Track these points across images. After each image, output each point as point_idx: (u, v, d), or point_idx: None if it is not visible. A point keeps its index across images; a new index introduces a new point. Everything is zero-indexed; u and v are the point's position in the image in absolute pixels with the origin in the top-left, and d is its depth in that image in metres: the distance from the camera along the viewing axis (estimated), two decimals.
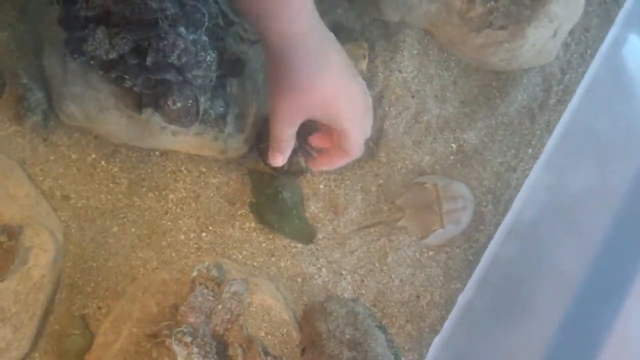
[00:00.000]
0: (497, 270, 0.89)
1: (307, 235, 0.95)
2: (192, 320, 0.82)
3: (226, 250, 0.94)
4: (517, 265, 0.92)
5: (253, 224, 0.96)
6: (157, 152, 0.96)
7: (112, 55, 0.88)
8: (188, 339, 0.79)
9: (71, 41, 0.90)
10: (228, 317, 0.85)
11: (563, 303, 0.87)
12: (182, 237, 0.94)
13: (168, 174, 0.96)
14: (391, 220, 0.97)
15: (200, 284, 0.85)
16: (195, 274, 0.86)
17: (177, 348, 0.78)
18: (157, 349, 0.80)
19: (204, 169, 0.97)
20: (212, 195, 0.96)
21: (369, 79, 1.02)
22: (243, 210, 0.97)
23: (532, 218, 0.93)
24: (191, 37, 0.87)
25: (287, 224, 0.94)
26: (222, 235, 0.95)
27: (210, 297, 0.84)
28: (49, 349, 0.87)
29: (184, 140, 0.95)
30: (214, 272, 0.86)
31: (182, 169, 0.97)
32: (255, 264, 0.94)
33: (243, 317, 0.86)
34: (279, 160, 0.87)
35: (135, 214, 0.94)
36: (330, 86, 0.83)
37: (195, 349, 0.79)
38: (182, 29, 0.86)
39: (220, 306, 0.85)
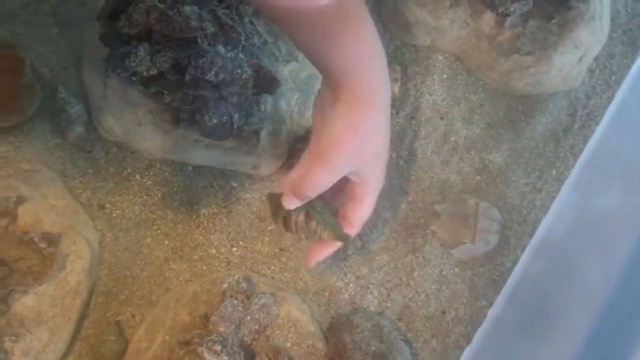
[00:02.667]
0: (525, 286, 0.91)
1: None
2: (222, 329, 0.84)
3: (255, 264, 0.97)
4: (546, 282, 0.93)
5: (282, 241, 0.98)
6: (190, 167, 0.99)
7: (153, 72, 0.91)
8: (218, 348, 0.81)
9: (113, 57, 0.93)
10: (256, 327, 0.87)
11: (590, 319, 0.89)
12: (214, 251, 0.96)
13: (200, 189, 0.99)
14: (426, 223, 0.99)
15: (231, 296, 0.87)
16: (226, 286, 0.88)
17: (208, 356, 0.80)
18: (189, 356, 0.82)
19: (235, 184, 1.00)
20: (243, 210, 0.99)
21: (401, 101, 1.04)
22: (273, 227, 0.98)
23: (560, 236, 0.94)
24: (228, 55, 0.90)
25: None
26: (252, 251, 0.97)
27: (240, 309, 0.86)
28: (84, 352, 0.90)
29: (217, 154, 0.99)
30: (244, 285, 0.88)
31: (214, 184, 0.99)
32: (283, 278, 0.96)
33: (270, 328, 0.88)
34: (294, 204, 0.79)
35: (169, 226, 0.96)
36: (384, 142, 0.79)
37: (225, 357, 0.81)
38: (220, 47, 0.90)
39: (249, 317, 0.87)
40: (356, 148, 0.74)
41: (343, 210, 0.82)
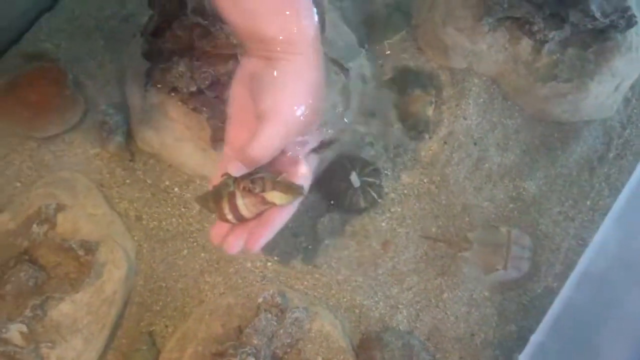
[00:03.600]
0: (568, 315, 0.90)
1: None
2: (255, 342, 0.84)
3: (289, 279, 0.97)
4: (589, 312, 0.92)
5: (315, 257, 0.99)
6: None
7: (193, 88, 0.93)
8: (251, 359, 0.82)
9: (154, 72, 0.95)
10: (288, 341, 0.88)
11: (631, 351, 0.88)
12: (249, 265, 0.97)
13: None
14: (457, 246, 0.99)
15: (265, 309, 0.88)
16: (261, 300, 0.89)
17: None
18: None
19: None
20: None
21: (434, 125, 1.05)
22: (306, 244, 0.99)
23: (603, 268, 0.94)
24: None
25: None
26: (286, 266, 0.98)
27: (273, 322, 0.87)
28: None
29: None
30: (279, 300, 0.89)
31: None
32: (315, 294, 0.97)
33: (303, 342, 0.89)
34: (241, 171, 0.72)
35: (205, 239, 0.97)
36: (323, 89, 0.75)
37: None
38: None
39: (282, 331, 0.87)
40: (306, 101, 0.71)
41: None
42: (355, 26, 1.08)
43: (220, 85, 0.93)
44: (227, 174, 0.72)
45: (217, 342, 0.87)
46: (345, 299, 0.98)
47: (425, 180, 1.03)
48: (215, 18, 0.91)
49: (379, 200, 1.01)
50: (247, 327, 0.87)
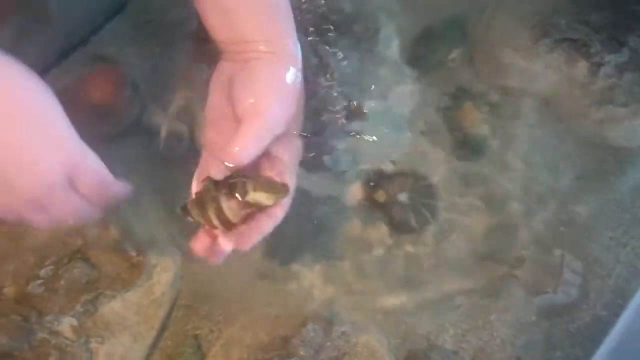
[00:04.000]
0: (628, 345, 0.89)
1: None
2: (302, 353, 0.84)
3: (336, 292, 0.97)
4: None
5: (364, 270, 0.99)
6: None
7: None
8: None
9: None
10: (335, 354, 0.87)
11: None
12: (298, 269, 0.98)
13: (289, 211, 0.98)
14: (508, 265, 0.99)
15: (313, 321, 0.88)
16: (312, 306, 0.89)
17: None
18: None
19: (321, 213, 1.01)
20: (329, 238, 1.00)
21: (486, 143, 1.05)
22: (354, 258, 0.99)
23: None
24: (327, 89, 0.93)
25: None
26: (336, 276, 0.98)
27: (320, 334, 0.87)
28: None
29: (310, 182, 1.00)
30: (326, 312, 0.89)
31: (305, 208, 0.99)
32: (363, 309, 0.96)
33: (348, 357, 0.88)
34: (221, 171, 0.72)
35: (255, 246, 0.96)
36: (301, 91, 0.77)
37: None
38: (321, 79, 0.92)
39: (329, 343, 0.87)
40: (286, 100, 0.71)
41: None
42: (410, 40, 1.07)
43: None
44: (208, 178, 0.72)
45: (262, 351, 0.87)
46: (391, 315, 0.97)
47: (475, 199, 1.03)
48: None
49: (427, 218, 1.00)
50: (294, 337, 0.86)
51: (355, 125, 1.00)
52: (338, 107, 0.93)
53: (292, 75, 0.71)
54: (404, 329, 0.96)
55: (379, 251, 1.00)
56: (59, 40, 1.02)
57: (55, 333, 0.84)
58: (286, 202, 0.74)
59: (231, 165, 0.69)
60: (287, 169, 0.75)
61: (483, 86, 1.08)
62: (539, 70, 1.04)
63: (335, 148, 0.97)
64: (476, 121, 1.04)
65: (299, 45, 0.73)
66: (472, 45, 1.10)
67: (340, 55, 0.98)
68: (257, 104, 0.69)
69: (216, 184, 0.71)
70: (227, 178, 0.71)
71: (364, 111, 0.98)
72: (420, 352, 0.93)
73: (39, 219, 0.65)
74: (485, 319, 0.98)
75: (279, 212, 0.74)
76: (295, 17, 0.95)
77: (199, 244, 0.75)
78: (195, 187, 0.74)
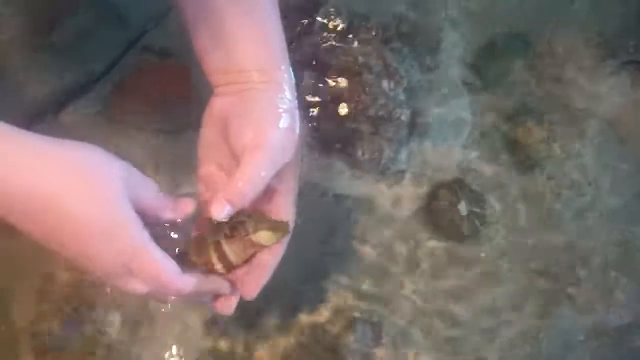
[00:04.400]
0: None
1: None
2: (349, 358, 0.85)
3: (385, 301, 0.97)
4: None
5: (412, 282, 0.99)
6: (331, 194, 1.01)
7: (315, 100, 0.94)
8: None
9: None
10: None
11: None
12: (345, 277, 0.98)
13: (337, 217, 1.00)
14: (561, 283, 0.99)
15: (361, 328, 0.88)
16: (358, 315, 0.89)
17: None
18: None
19: (371, 221, 1.01)
20: (376, 247, 1.00)
21: (545, 160, 1.04)
22: (404, 267, 0.99)
23: None
24: (391, 94, 0.93)
25: None
26: (384, 284, 0.98)
27: (368, 343, 0.88)
28: None
29: (359, 187, 1.00)
30: (375, 317, 0.90)
31: (352, 215, 1.00)
32: (411, 319, 0.97)
33: None
34: (225, 212, 0.64)
35: (305, 248, 0.97)
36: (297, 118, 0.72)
37: None
38: (384, 85, 0.92)
39: (376, 351, 0.88)
40: (285, 129, 0.67)
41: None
42: (473, 52, 1.07)
43: (340, 101, 0.95)
44: (207, 219, 0.66)
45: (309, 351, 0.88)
46: (439, 327, 0.97)
47: (531, 215, 1.02)
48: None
49: (482, 230, 1.00)
50: (342, 343, 0.87)
51: (415, 132, 1.00)
52: (399, 113, 0.93)
53: (289, 103, 0.68)
54: (452, 341, 0.96)
55: (428, 259, 1.00)
56: (126, 35, 1.03)
57: (103, 328, 0.86)
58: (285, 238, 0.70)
59: (234, 203, 0.64)
60: (286, 202, 0.71)
61: (544, 102, 1.08)
62: (603, 91, 1.04)
63: (393, 151, 0.97)
64: (536, 137, 1.04)
65: (291, 71, 0.70)
66: (535, 60, 1.10)
67: (404, 62, 0.98)
68: (257, 137, 0.65)
69: (216, 224, 0.66)
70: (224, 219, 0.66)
71: (427, 119, 0.98)
72: None
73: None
74: (534, 336, 0.97)
75: (279, 249, 0.70)
76: (360, 23, 0.96)
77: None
78: (193, 228, 0.70)
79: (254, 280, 0.69)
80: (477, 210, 0.98)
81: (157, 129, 1.01)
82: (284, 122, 0.66)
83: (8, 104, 0.92)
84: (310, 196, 1.00)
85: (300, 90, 0.94)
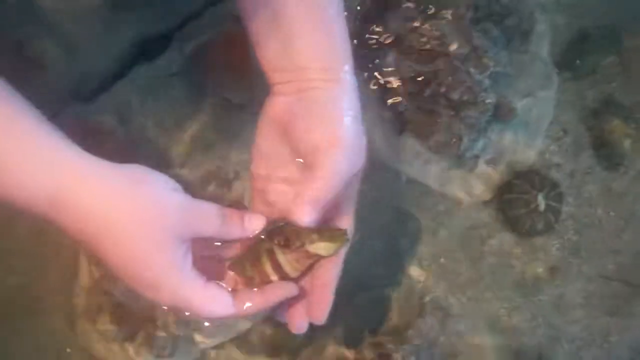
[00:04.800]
0: None
1: None
2: (417, 342, 0.84)
3: (452, 286, 0.96)
4: None
5: (479, 271, 0.97)
6: (404, 177, 0.99)
7: (396, 80, 0.92)
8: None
9: (360, 57, 0.95)
10: (448, 351, 0.86)
11: None
12: (415, 262, 0.96)
13: (410, 200, 0.99)
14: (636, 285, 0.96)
15: (430, 313, 0.87)
16: (428, 299, 0.88)
17: None
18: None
19: (442, 207, 0.99)
20: (446, 233, 0.99)
21: (629, 159, 1.01)
22: (471, 256, 0.98)
23: None
24: (476, 78, 0.90)
25: None
26: (452, 272, 0.97)
27: (436, 327, 0.86)
28: None
29: (433, 172, 0.98)
30: (443, 304, 0.88)
31: (424, 200, 0.99)
32: (476, 308, 0.95)
33: (462, 356, 0.87)
34: (311, 217, 0.61)
35: (375, 229, 0.97)
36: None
37: None
38: (471, 68, 0.89)
39: (442, 338, 0.86)
40: (355, 130, 0.63)
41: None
42: (562, 42, 1.04)
43: (422, 82, 0.92)
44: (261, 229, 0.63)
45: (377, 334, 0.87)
46: (504, 318, 0.96)
47: (610, 214, 0.99)
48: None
49: (556, 226, 0.97)
50: (410, 325, 0.86)
51: (496, 119, 0.97)
52: (484, 98, 0.90)
53: (355, 107, 0.64)
54: (517, 334, 0.94)
55: (496, 249, 0.98)
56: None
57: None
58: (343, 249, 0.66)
59: (317, 206, 0.60)
60: (346, 211, 0.67)
61: (633, 100, 1.03)
62: None
63: (471, 138, 0.94)
64: (621, 135, 1.00)
65: (353, 69, 0.66)
66: (626, 55, 1.05)
67: (492, 45, 0.95)
68: (330, 137, 0.61)
69: (267, 234, 0.63)
70: (275, 228, 0.64)
71: (509, 107, 0.95)
72: None
73: None
74: (604, 338, 0.95)
75: (339, 263, 0.65)
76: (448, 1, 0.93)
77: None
78: (242, 242, 0.66)
79: (321, 303, 0.65)
80: (554, 204, 0.95)
81: (226, 98, 0.99)
82: (353, 125, 0.62)
83: (86, 63, 0.92)
84: (382, 177, 0.99)
85: (382, 67, 0.93)
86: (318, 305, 0.65)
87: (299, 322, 0.66)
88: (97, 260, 0.59)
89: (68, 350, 0.89)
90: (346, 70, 0.64)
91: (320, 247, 0.62)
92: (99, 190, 0.54)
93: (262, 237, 0.63)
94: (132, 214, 0.55)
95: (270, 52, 0.64)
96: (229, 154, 0.96)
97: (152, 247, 0.56)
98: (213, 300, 0.60)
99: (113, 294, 0.85)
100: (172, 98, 0.97)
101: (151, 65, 0.97)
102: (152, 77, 0.96)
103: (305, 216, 0.60)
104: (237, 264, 0.65)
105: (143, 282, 0.57)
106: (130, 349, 0.86)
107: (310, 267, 0.65)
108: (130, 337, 0.87)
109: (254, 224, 0.63)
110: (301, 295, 0.65)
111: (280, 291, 0.63)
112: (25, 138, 0.53)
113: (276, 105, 0.65)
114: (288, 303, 0.66)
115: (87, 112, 0.93)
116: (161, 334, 0.85)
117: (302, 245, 0.61)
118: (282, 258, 0.62)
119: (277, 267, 0.63)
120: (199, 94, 0.97)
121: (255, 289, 0.63)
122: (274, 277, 0.63)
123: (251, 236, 0.63)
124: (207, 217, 0.60)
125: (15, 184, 0.53)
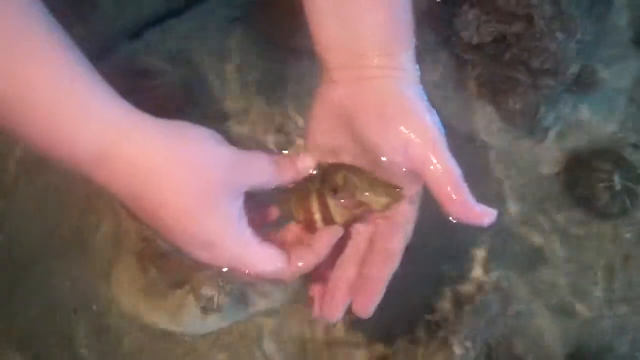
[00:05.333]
0: None
1: None
2: (474, 321, 0.80)
3: (514, 267, 0.90)
4: None
5: (544, 251, 0.92)
6: (478, 142, 0.94)
7: (475, 41, 0.86)
8: (469, 344, 0.77)
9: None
10: (505, 332, 0.83)
11: None
12: (476, 236, 0.91)
13: (476, 166, 0.92)
14: None
15: (490, 291, 0.83)
16: (486, 279, 0.83)
17: (457, 349, 0.77)
18: (438, 346, 0.78)
19: (512, 172, 0.94)
20: (511, 205, 0.93)
21: None
22: (538, 236, 0.92)
23: None
24: (562, 46, 0.83)
25: None
26: (514, 250, 0.91)
27: (495, 307, 0.82)
28: None
29: (501, 139, 0.93)
30: (504, 283, 0.83)
31: (492, 167, 0.93)
32: (538, 290, 0.90)
33: (517, 338, 0.83)
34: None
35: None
36: None
37: (472, 355, 0.77)
38: (558, 34, 0.83)
39: (501, 320, 0.82)
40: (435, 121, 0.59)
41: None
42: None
43: (502, 45, 0.86)
44: (315, 168, 0.61)
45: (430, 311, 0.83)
46: (568, 303, 0.90)
47: None
48: None
49: (630, 210, 0.91)
50: (468, 303, 0.82)
51: (574, 90, 0.90)
52: (567, 68, 0.84)
53: (424, 97, 0.59)
54: (581, 323, 0.89)
55: (564, 228, 0.93)
56: None
57: None
58: (409, 213, 0.61)
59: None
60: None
61: None
62: None
63: (548, 108, 0.89)
64: None
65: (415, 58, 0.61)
66: None
67: (578, 9, 0.88)
68: (422, 132, 0.57)
69: (320, 177, 0.61)
70: (330, 170, 0.61)
71: (589, 79, 0.89)
72: (592, 350, 0.87)
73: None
74: None
75: (396, 258, 0.61)
76: None
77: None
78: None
79: (368, 295, 0.60)
80: (632, 186, 0.89)
81: (291, 48, 0.92)
82: (432, 117, 0.58)
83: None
84: (455, 140, 0.93)
85: (461, 27, 0.87)
86: (366, 297, 0.60)
87: (334, 311, 0.62)
88: (142, 222, 0.55)
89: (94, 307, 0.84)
90: (410, 57, 0.59)
91: (373, 198, 0.59)
92: (145, 145, 0.52)
93: (315, 179, 0.61)
94: (181, 168, 0.52)
95: (330, 36, 0.59)
96: (289, 109, 0.91)
97: (205, 202, 0.53)
98: (270, 259, 0.57)
99: (157, 243, 0.81)
100: (231, 45, 0.93)
101: (210, 8, 0.93)
102: (211, 21, 0.92)
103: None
104: (284, 203, 0.63)
105: (195, 240, 0.54)
106: (174, 300, 0.82)
107: (357, 218, 0.62)
108: (175, 286, 0.82)
109: (307, 163, 0.61)
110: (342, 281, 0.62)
111: (327, 238, 0.60)
112: (74, 90, 0.50)
113: (334, 96, 0.60)
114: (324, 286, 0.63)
115: (137, 52, 0.89)
116: (210, 286, 0.80)
117: (354, 192, 0.59)
118: (332, 202, 0.60)
119: (325, 210, 0.60)
120: (262, 43, 0.92)
121: (305, 247, 0.60)
122: (318, 216, 0.60)
123: (305, 176, 0.61)
124: (260, 166, 0.57)
125: (61, 138, 0.50)
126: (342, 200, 0.60)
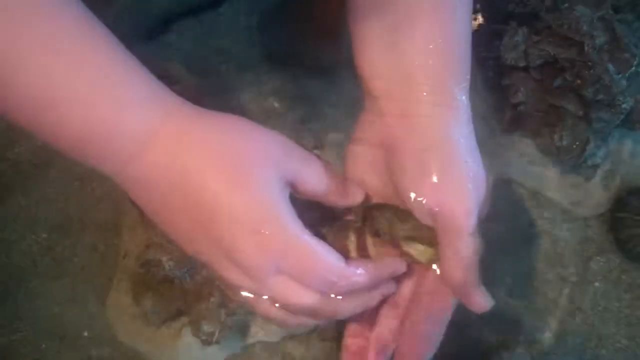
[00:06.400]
0: None
1: None
2: None
3: (548, 311, 0.85)
4: None
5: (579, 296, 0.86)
6: (507, 178, 0.88)
7: (521, 63, 0.79)
8: None
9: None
10: None
11: None
12: (505, 274, 0.85)
13: (511, 204, 0.87)
14: None
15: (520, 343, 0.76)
16: (515, 326, 0.76)
17: None
18: None
19: (548, 214, 0.88)
20: (548, 243, 0.87)
21: None
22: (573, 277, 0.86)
23: None
24: (614, 77, 0.76)
25: None
26: (548, 294, 0.86)
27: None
28: None
29: (539, 176, 0.86)
30: (535, 335, 0.76)
31: (527, 204, 0.88)
32: (570, 338, 0.84)
33: None
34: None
35: None
36: None
37: None
38: (609, 65, 0.76)
39: None
40: (479, 173, 0.55)
41: None
42: None
43: (549, 69, 0.79)
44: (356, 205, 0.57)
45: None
46: (602, 353, 0.84)
47: None
48: None
49: None
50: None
51: (623, 126, 0.83)
52: (622, 101, 0.76)
53: (472, 136, 0.55)
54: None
55: (602, 278, 0.87)
56: None
57: None
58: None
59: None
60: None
61: None
62: None
63: (596, 144, 0.81)
64: None
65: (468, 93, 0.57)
66: None
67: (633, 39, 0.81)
68: (458, 198, 0.53)
69: (363, 215, 0.57)
70: (374, 210, 0.57)
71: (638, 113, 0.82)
72: None
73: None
74: None
75: (446, 314, 0.56)
76: None
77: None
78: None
79: (416, 355, 0.56)
80: None
81: (313, 58, 0.88)
82: (474, 173, 0.54)
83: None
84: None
85: (505, 47, 0.80)
86: (412, 357, 0.56)
87: None
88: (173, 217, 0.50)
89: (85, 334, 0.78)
90: (462, 91, 0.55)
91: (416, 249, 0.55)
92: (189, 124, 0.49)
93: (359, 214, 0.57)
94: (230, 146, 0.49)
95: (376, 60, 0.55)
96: (311, 120, 0.86)
97: (258, 180, 0.49)
98: (330, 250, 0.51)
99: (162, 265, 0.74)
100: (249, 53, 0.89)
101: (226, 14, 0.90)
102: (228, 27, 0.90)
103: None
104: (316, 228, 0.56)
105: (247, 225, 0.48)
106: (169, 330, 0.77)
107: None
108: (172, 318, 0.76)
109: (358, 195, 0.57)
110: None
111: (390, 266, 0.55)
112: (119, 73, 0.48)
113: (377, 128, 0.57)
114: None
115: (150, 52, 0.85)
116: (211, 321, 0.73)
117: (396, 238, 0.55)
118: (371, 244, 0.57)
119: (362, 250, 0.57)
120: (281, 52, 0.89)
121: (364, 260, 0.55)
122: (353, 254, 0.56)
123: (347, 207, 0.56)
124: (311, 160, 0.53)
125: (105, 118, 0.46)
126: (382, 245, 0.55)
